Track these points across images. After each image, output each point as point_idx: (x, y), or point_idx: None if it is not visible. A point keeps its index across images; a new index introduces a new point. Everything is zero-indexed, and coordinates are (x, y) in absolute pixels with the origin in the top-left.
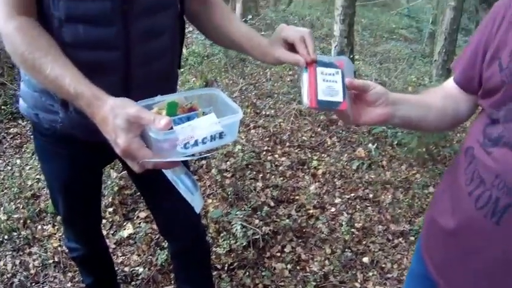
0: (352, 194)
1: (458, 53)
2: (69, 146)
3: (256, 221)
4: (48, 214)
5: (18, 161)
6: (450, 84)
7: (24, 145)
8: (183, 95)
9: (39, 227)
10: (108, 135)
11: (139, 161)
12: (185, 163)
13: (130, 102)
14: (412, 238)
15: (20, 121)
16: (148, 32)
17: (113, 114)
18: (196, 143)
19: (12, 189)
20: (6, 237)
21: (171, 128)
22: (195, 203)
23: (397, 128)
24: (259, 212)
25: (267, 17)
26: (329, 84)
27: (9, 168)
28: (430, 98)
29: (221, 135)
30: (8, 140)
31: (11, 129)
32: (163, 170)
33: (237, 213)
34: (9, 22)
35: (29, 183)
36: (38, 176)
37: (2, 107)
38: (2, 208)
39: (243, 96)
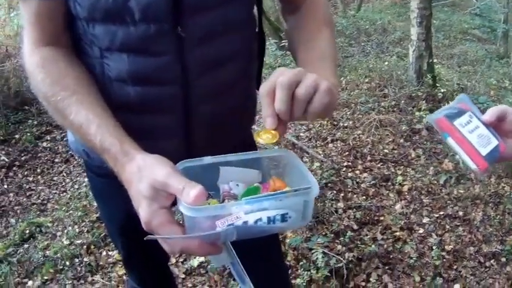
0: (441, 213)
1: None
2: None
3: (339, 247)
4: None
5: (85, 180)
6: None
7: None
8: (242, 157)
9: (104, 253)
10: (133, 201)
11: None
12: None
13: (163, 163)
14: (504, 259)
15: None
16: (212, 61)
17: (138, 176)
18: (246, 225)
19: (77, 211)
20: (67, 263)
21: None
22: None
23: None
24: (341, 237)
25: (337, 23)
26: (477, 133)
27: (76, 187)
28: None
29: (284, 216)
30: (76, 158)
31: None
32: None
33: (318, 239)
34: (32, 56)
35: (95, 205)
36: None
37: None
38: (65, 231)
39: None
